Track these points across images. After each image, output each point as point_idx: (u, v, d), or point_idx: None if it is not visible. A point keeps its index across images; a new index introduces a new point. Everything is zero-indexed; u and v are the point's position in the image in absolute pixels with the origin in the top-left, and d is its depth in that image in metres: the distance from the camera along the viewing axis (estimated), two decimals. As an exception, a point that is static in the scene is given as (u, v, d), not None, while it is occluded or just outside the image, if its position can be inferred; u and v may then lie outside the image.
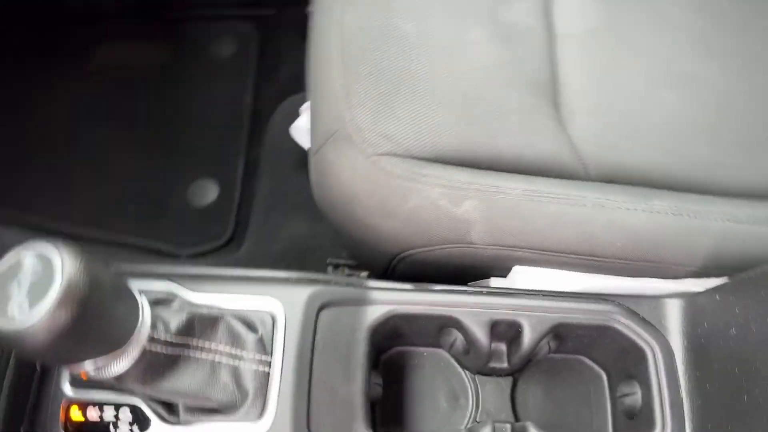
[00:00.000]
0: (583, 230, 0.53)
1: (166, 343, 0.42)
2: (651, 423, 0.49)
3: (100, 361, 0.38)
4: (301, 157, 0.95)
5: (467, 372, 0.58)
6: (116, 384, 0.41)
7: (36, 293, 0.34)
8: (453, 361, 0.58)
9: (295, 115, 0.85)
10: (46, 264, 0.35)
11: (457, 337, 0.55)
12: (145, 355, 0.41)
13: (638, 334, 0.52)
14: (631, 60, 0.65)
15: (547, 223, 0.53)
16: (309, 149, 0.65)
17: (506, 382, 0.58)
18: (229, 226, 0.95)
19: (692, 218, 0.55)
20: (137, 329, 0.39)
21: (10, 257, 0.36)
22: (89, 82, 1.08)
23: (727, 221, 0.55)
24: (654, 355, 0.51)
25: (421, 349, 0.59)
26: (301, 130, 0.83)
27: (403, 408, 0.57)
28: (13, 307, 0.34)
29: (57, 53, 1.10)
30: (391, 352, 0.59)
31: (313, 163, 0.63)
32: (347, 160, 0.57)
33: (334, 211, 0.61)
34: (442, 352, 0.59)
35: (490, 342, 0.54)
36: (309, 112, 0.66)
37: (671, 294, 0.54)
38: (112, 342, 0.38)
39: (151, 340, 0.41)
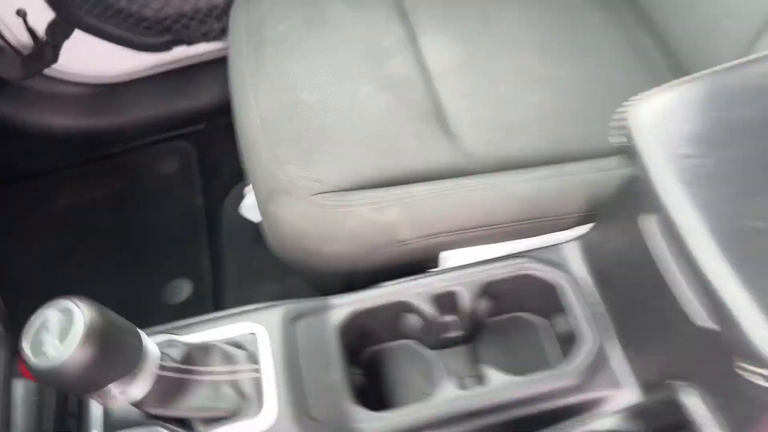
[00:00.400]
0: (484, 208, 0.67)
1: (174, 369, 0.52)
2: (584, 338, 0.60)
3: (122, 384, 0.47)
4: (256, 232, 1.06)
5: (432, 351, 0.68)
6: (141, 410, 0.51)
7: (64, 335, 0.44)
8: (418, 345, 0.69)
9: (242, 198, 0.98)
10: (67, 313, 0.45)
11: (413, 319, 0.66)
12: (159, 381, 0.50)
13: (549, 274, 0.64)
14: (495, 77, 0.81)
15: (455, 209, 0.66)
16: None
17: (466, 349, 0.68)
18: (209, 311, 1.04)
19: (568, 176, 0.69)
20: (147, 357, 0.49)
21: (36, 317, 0.46)
22: (55, 226, 1.19)
23: (595, 173, 0.70)
24: (566, 287, 0.63)
25: (391, 344, 0.69)
26: (249, 208, 0.95)
27: (388, 395, 0.66)
28: (48, 348, 0.44)
29: (19, 209, 1.21)
30: (367, 353, 0.69)
31: (263, 221, 0.75)
32: (288, 207, 0.70)
33: (290, 253, 0.73)
34: (409, 342, 0.69)
35: (439, 315, 0.65)
36: (252, 191, 0.79)
37: (569, 239, 0.67)
38: (128, 366, 0.47)
39: (161, 368, 0.51)
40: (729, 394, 0.46)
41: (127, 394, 0.48)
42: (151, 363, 0.50)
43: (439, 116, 0.77)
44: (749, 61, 0.45)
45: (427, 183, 0.69)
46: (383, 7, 0.87)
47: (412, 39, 0.85)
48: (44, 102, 1.18)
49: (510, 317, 0.70)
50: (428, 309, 0.64)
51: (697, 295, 0.41)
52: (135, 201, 1.22)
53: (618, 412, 0.58)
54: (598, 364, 0.59)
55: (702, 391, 0.48)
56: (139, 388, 0.49)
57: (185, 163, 1.26)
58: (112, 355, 0.46)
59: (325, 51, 0.81)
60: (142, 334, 0.50)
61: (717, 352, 0.44)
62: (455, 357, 0.67)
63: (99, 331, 0.45)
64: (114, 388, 0.47)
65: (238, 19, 0.88)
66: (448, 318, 0.66)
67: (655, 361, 0.56)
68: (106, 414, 0.56)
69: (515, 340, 0.69)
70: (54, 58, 1.12)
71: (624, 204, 0.55)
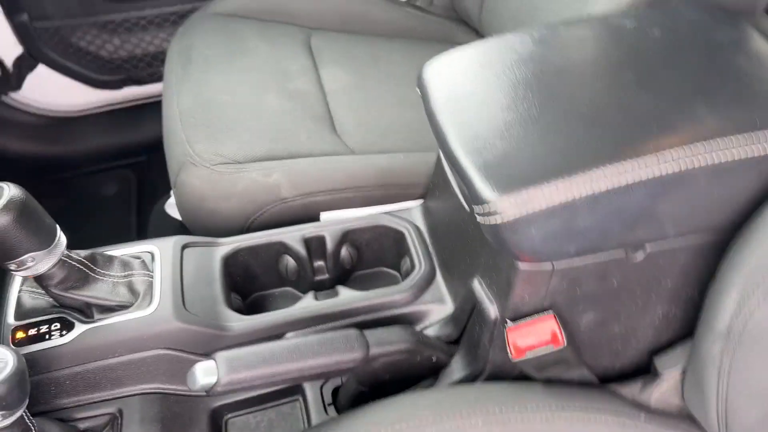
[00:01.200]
0: (351, 173, 0.85)
1: (78, 261, 0.66)
2: (416, 266, 0.76)
3: (35, 257, 0.60)
4: (178, 229, 1.20)
5: (305, 293, 0.82)
6: (47, 290, 0.64)
7: (-8, 204, 0.58)
8: (295, 290, 0.83)
9: (168, 198, 1.13)
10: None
11: (289, 261, 0.80)
12: (64, 265, 0.64)
13: (397, 224, 0.80)
14: (376, 99, 1.02)
15: (327, 172, 0.84)
16: (173, 191, 0.92)
17: (334, 292, 0.82)
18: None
19: (417, 158, 0.87)
20: (58, 242, 0.63)
21: None
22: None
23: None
24: (409, 233, 0.80)
25: (273, 291, 0.83)
26: (172, 206, 1.10)
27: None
28: (-24, 213, 0.57)
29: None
30: (252, 298, 0.82)
31: (175, 193, 0.90)
32: (194, 174, 0.86)
33: (196, 216, 0.87)
34: (287, 288, 0.83)
35: (310, 257, 0.80)
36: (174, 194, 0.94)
37: (416, 205, 0.84)
38: (41, 243, 0.61)
39: (67, 256, 0.64)
40: (492, 269, 0.62)
41: (37, 266, 0.61)
42: (60, 247, 0.63)
43: (328, 120, 0.96)
44: (512, 33, 0.65)
45: (308, 157, 0.86)
46: (294, 44, 1.09)
47: (315, 68, 1.05)
48: (3, 127, 1.34)
49: (372, 271, 0.85)
50: (301, 250, 0.79)
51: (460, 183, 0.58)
52: (73, 219, 1.35)
53: (438, 321, 0.73)
54: (425, 284, 0.75)
55: (480, 276, 0.64)
56: (48, 264, 0.62)
57: (125, 188, 1.41)
58: (29, 227, 0.59)
59: (241, 70, 1.01)
60: (58, 227, 0.64)
61: (479, 235, 0.60)
62: (324, 296, 0.81)
63: (19, 203, 0.59)
64: (28, 259, 0.61)
65: (173, 47, 1.08)
66: (319, 263, 0.81)
67: (458, 272, 0.72)
68: (18, 305, 0.68)
69: (374, 287, 0.84)
70: (18, 86, 1.29)
71: (440, 162, 0.74)
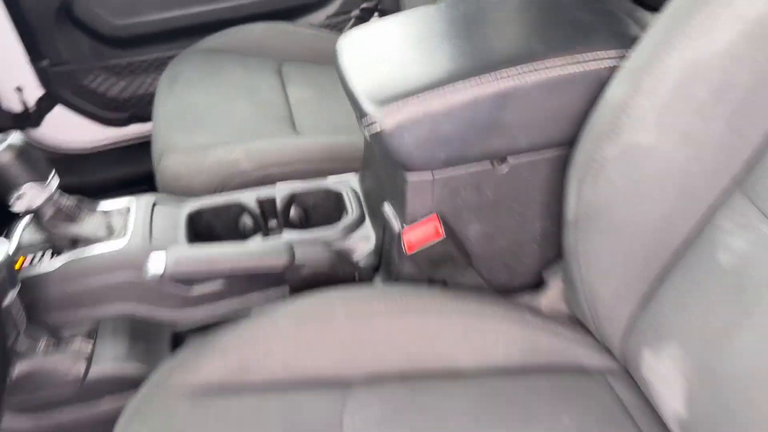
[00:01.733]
0: (300, 149, 1.02)
1: (68, 203, 0.82)
2: (348, 213, 0.91)
3: (32, 188, 0.77)
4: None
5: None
6: (39, 221, 0.80)
7: (-1, 147, 0.76)
8: (254, 250, 0.97)
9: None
10: (3, 139, 0.77)
11: (247, 221, 0.95)
12: (57, 202, 0.80)
13: (337, 186, 0.96)
14: (334, 106, 1.20)
15: (280, 149, 1.01)
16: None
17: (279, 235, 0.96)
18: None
19: (358, 136, 1.04)
20: (51, 179, 0.79)
21: None
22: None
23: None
24: (346, 193, 0.95)
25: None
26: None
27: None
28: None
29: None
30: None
31: (158, 178, 1.07)
32: (173, 160, 1.03)
33: (173, 192, 1.04)
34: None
35: (264, 216, 0.95)
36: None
37: (354, 176, 1.00)
38: (36, 176, 0.77)
39: (60, 194, 0.81)
40: (394, 190, 0.77)
41: (34, 199, 0.78)
42: (53, 184, 0.80)
43: (289, 121, 1.14)
44: (415, 9, 0.84)
45: (265, 138, 1.04)
46: (266, 70, 1.29)
47: (283, 86, 1.25)
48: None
49: (321, 232, 1.00)
50: (256, 209, 0.94)
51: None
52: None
53: (365, 254, 0.87)
54: (355, 226, 0.89)
55: (388, 200, 0.79)
56: (41, 198, 0.78)
57: (128, 213, 1.59)
58: (27, 163, 0.76)
59: (218, 85, 1.21)
60: (53, 171, 0.81)
61: (386, 168, 0.75)
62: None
63: (18, 145, 0.76)
64: (27, 189, 0.77)
65: (164, 76, 1.29)
66: (273, 222, 0.97)
67: (377, 208, 0.86)
68: (20, 242, 0.84)
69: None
70: (37, 123, 1.51)
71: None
